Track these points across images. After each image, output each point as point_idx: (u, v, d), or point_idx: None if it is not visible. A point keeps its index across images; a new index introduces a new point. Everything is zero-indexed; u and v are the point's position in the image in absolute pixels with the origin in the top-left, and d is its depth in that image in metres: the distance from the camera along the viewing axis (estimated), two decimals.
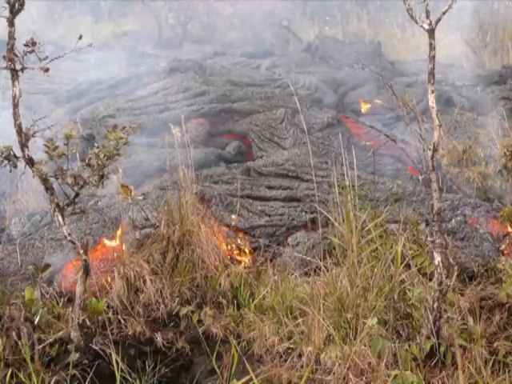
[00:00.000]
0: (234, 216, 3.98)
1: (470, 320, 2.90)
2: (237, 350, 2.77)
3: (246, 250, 3.83)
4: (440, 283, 2.66)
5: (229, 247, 3.76)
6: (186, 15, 11.97)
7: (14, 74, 2.57)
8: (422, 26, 2.58)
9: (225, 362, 2.84)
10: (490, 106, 6.72)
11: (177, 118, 5.52)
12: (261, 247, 3.86)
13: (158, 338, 3.06)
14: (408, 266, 3.16)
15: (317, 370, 2.72)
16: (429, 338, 2.69)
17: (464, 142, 5.46)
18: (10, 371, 2.64)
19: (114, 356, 2.67)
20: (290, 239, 3.93)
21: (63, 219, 2.77)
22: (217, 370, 2.70)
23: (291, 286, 3.27)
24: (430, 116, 2.66)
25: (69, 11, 12.55)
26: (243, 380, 2.46)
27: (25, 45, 2.54)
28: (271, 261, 3.73)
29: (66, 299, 3.31)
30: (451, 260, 2.76)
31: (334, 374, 2.65)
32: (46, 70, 2.53)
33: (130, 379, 2.69)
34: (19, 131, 2.60)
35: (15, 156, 2.67)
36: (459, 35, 9.57)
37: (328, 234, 3.58)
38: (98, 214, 3.99)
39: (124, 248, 3.51)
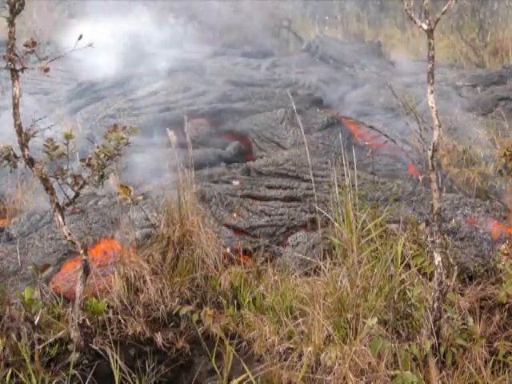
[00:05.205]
0: (234, 215, 3.98)
1: (470, 320, 2.90)
2: (235, 350, 2.77)
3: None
4: (440, 283, 2.66)
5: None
6: (185, 15, 11.97)
7: (14, 73, 2.57)
8: (420, 26, 2.58)
9: (225, 362, 2.84)
10: (490, 106, 6.72)
11: (177, 118, 5.53)
12: (261, 247, 3.86)
13: (158, 338, 3.06)
14: (408, 266, 3.16)
15: (317, 369, 2.72)
16: (429, 338, 2.69)
17: (464, 142, 5.46)
18: (10, 371, 2.64)
19: (113, 356, 2.67)
20: (290, 239, 3.93)
21: (63, 219, 2.77)
22: (217, 370, 2.70)
23: (291, 285, 3.27)
24: (430, 116, 2.66)
25: (69, 11, 12.54)
26: (240, 378, 2.46)
27: (25, 45, 2.54)
28: (271, 261, 3.73)
29: (65, 300, 3.32)
30: (451, 260, 2.76)
31: (334, 373, 2.65)
32: (46, 69, 2.53)
33: (130, 379, 2.69)
34: (19, 131, 2.60)
35: (15, 156, 2.67)
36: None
37: (328, 234, 3.58)
38: (98, 213, 3.98)
39: (124, 248, 3.51)
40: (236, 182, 4.40)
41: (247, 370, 2.49)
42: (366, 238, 3.31)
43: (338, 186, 3.52)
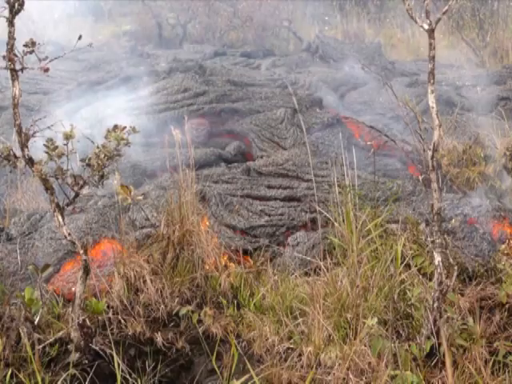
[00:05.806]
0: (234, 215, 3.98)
1: (470, 320, 2.90)
2: (237, 350, 2.77)
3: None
4: (440, 283, 2.66)
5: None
6: (186, 15, 11.98)
7: (14, 73, 2.57)
8: (421, 26, 2.58)
9: (225, 362, 2.84)
10: (490, 106, 6.72)
11: (177, 118, 5.53)
12: (261, 247, 3.86)
13: (158, 338, 3.06)
14: (408, 266, 3.16)
15: (317, 369, 2.72)
16: (429, 338, 2.69)
17: (464, 142, 5.46)
18: (10, 371, 2.64)
19: (114, 356, 2.67)
20: (290, 239, 3.93)
21: (63, 219, 2.77)
22: (217, 370, 2.70)
23: (291, 286, 3.27)
24: (430, 116, 2.66)
25: (69, 11, 12.54)
26: (243, 379, 2.46)
27: (24, 45, 2.54)
28: (271, 261, 3.73)
29: (65, 300, 3.32)
30: (451, 260, 2.76)
31: (334, 374, 2.65)
32: (46, 69, 2.53)
33: (130, 379, 2.69)
34: (19, 131, 2.60)
35: (15, 156, 2.67)
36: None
37: (328, 234, 3.58)
38: (98, 213, 3.98)
39: (124, 248, 3.51)
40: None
41: (251, 370, 2.49)
42: (366, 238, 3.31)
43: (338, 186, 3.52)
